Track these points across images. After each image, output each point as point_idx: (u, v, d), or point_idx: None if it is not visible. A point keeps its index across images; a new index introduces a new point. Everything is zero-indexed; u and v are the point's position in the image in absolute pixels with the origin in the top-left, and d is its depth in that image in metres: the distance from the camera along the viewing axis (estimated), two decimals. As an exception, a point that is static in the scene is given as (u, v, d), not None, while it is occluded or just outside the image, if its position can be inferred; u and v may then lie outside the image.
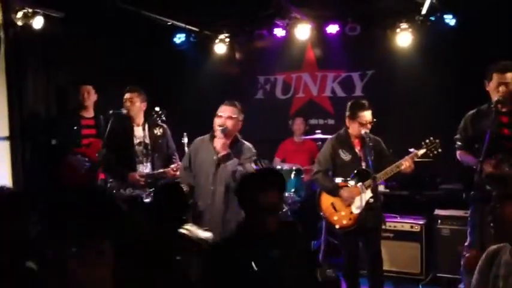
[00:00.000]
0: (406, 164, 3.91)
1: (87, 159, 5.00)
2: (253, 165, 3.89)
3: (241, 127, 3.90)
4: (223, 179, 3.70)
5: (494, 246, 2.01)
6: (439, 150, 3.90)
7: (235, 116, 3.80)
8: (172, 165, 4.45)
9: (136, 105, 4.60)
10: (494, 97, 3.80)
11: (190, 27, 6.37)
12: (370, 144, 4.04)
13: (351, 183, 4.07)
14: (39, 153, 5.22)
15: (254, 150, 3.92)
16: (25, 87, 5.15)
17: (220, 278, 2.25)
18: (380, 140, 4.19)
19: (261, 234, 2.33)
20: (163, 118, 4.72)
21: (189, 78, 6.84)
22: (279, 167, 5.72)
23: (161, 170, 4.44)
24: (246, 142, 3.95)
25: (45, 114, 5.44)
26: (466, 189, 3.99)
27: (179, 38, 6.47)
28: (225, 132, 3.71)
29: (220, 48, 6.53)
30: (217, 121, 3.79)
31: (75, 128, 5.15)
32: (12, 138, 4.99)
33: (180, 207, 3.09)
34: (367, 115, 4.03)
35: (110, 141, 4.59)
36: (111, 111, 4.68)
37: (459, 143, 4.07)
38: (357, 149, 4.09)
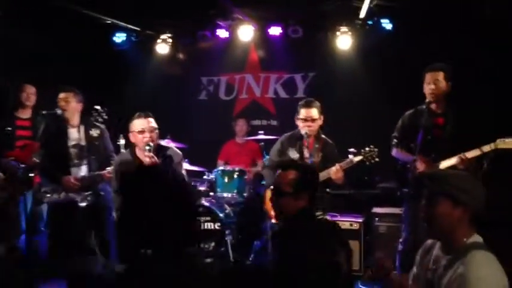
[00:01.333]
0: (333, 171, 3.96)
1: (20, 163, 4.73)
2: (183, 170, 3.84)
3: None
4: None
5: (430, 241, 2.09)
6: (376, 159, 3.97)
7: (156, 126, 3.76)
8: (108, 168, 4.31)
9: (71, 106, 4.44)
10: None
11: (131, 26, 6.25)
12: (317, 145, 4.11)
13: None
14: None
15: (180, 153, 3.90)
16: None
17: None
18: (332, 144, 4.23)
19: None
20: (105, 117, 4.58)
21: (130, 78, 6.70)
22: (221, 168, 5.70)
23: (97, 173, 4.31)
24: (168, 145, 3.92)
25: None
26: (401, 187, 4.15)
27: (119, 38, 6.33)
28: (152, 149, 3.65)
29: (162, 48, 6.45)
30: (140, 137, 3.70)
31: (9, 128, 4.85)
32: None
33: None
34: (307, 111, 4.07)
35: (44, 143, 4.40)
36: (44, 112, 4.50)
37: (395, 141, 4.20)
38: (307, 149, 4.10)
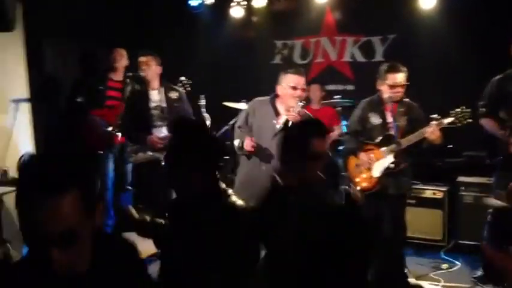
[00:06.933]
0: (429, 131, 3.79)
1: (106, 121, 4.95)
2: None
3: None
4: None
5: None
6: (469, 120, 3.73)
7: (305, 87, 3.70)
8: None
9: (152, 69, 4.56)
10: None
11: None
12: (401, 109, 3.96)
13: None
14: (61, 114, 5.15)
15: None
16: (43, 49, 5.07)
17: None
18: (417, 106, 4.05)
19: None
20: (189, 88, 4.69)
21: (204, 42, 6.70)
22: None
23: None
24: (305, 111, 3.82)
25: (65, 75, 5.36)
26: (491, 155, 3.93)
27: (195, 0, 6.32)
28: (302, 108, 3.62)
29: (236, 11, 6.37)
30: (290, 92, 3.61)
31: (101, 87, 5.08)
32: (32, 99, 4.95)
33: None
34: (397, 77, 3.90)
35: (128, 105, 4.55)
36: (130, 74, 4.63)
37: (483, 109, 3.97)
38: (388, 114, 3.97)
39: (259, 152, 3.69)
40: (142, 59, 4.59)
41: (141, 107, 4.55)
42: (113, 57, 5.14)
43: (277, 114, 3.70)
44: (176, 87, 4.70)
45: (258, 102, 3.87)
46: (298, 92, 3.61)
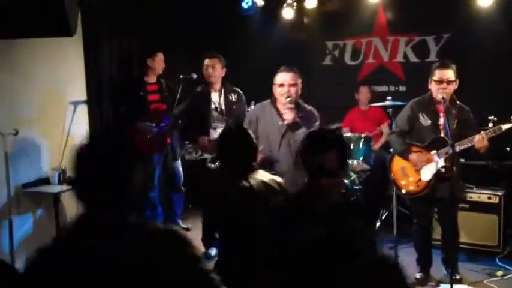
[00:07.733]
0: (477, 138, 3.66)
1: (154, 124, 5.04)
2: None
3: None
4: (292, 146, 3.65)
5: None
6: None
7: (297, 81, 3.71)
8: None
9: (217, 71, 4.68)
10: None
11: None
12: (453, 111, 3.85)
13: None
14: (111, 119, 5.32)
15: (317, 114, 3.85)
16: (101, 53, 5.22)
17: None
18: (468, 109, 3.95)
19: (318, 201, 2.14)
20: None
21: (255, 43, 6.76)
22: (348, 134, 5.60)
23: None
24: (307, 106, 3.84)
25: (113, 79, 5.52)
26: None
27: (247, 3, 6.39)
28: (292, 102, 3.63)
29: (287, 13, 6.39)
30: (279, 90, 3.67)
31: (141, 93, 5.11)
32: (89, 101, 5.15)
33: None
34: (444, 73, 3.81)
35: (188, 105, 4.63)
36: (181, 76, 4.74)
37: None
38: (440, 115, 3.88)
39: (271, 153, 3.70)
40: (208, 62, 4.69)
41: (203, 108, 4.66)
42: (157, 62, 5.14)
43: (280, 115, 3.71)
44: (236, 88, 4.78)
45: (259, 107, 3.90)
46: (286, 88, 3.62)
